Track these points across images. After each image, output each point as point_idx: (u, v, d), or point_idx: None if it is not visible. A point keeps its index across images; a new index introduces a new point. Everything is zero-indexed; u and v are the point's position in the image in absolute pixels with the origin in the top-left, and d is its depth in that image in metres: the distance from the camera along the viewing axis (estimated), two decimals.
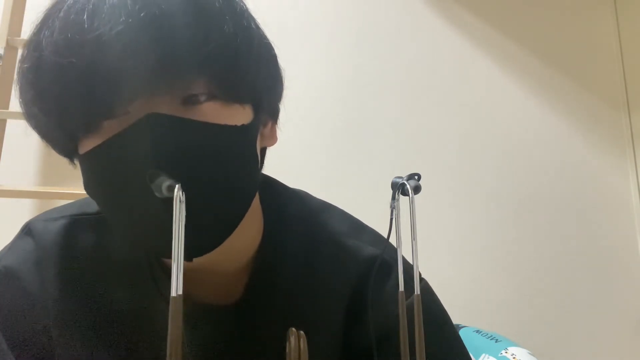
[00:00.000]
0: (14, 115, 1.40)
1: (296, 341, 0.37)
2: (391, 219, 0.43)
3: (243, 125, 0.42)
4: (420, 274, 0.58)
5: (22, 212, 1.47)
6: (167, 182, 0.33)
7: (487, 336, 1.43)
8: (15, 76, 0.44)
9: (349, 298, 0.53)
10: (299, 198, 0.58)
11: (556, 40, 1.96)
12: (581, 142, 1.91)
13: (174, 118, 0.38)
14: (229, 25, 0.40)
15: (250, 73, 0.43)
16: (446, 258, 1.71)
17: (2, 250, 0.54)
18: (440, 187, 1.77)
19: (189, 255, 0.40)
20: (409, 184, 0.40)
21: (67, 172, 1.84)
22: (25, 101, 0.42)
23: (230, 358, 0.51)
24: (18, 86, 0.43)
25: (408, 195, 0.40)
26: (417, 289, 0.34)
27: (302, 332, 0.38)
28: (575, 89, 1.94)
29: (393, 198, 0.40)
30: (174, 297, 0.28)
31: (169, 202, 0.37)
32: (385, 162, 1.73)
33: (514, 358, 1.35)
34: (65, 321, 0.50)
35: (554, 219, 1.83)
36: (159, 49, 0.36)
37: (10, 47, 1.38)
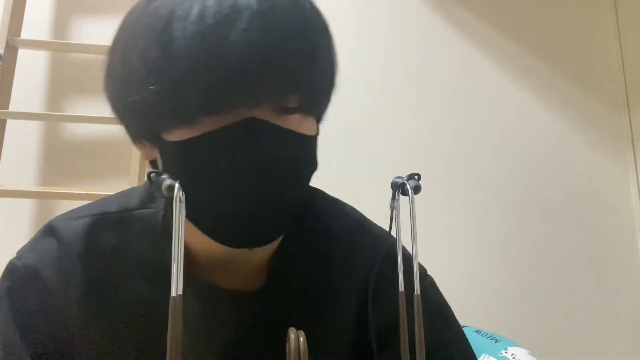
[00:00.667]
0: (14, 115, 1.40)
1: (296, 341, 0.37)
2: (391, 219, 0.43)
3: (315, 135, 0.48)
4: (425, 270, 0.61)
5: (22, 212, 1.47)
6: (167, 182, 0.33)
7: (487, 336, 1.43)
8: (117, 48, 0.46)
9: (367, 287, 0.57)
10: (317, 193, 0.62)
11: (556, 40, 1.96)
12: (581, 142, 1.91)
13: (272, 125, 0.42)
14: (329, 50, 0.47)
15: (330, 94, 0.49)
16: (446, 258, 1.71)
17: (21, 248, 0.54)
18: (440, 187, 1.77)
19: (251, 243, 0.46)
20: (409, 184, 0.40)
21: (67, 172, 1.84)
22: (136, 78, 0.43)
23: (254, 341, 0.53)
24: (126, 60, 0.44)
25: (408, 195, 0.40)
26: (417, 289, 0.34)
27: (301, 331, 0.38)
28: (575, 89, 1.94)
29: (393, 198, 0.40)
30: (173, 297, 0.29)
31: (253, 201, 0.42)
32: (385, 162, 1.73)
33: (513, 358, 1.35)
34: (89, 318, 0.51)
35: (553, 218, 1.83)
36: (278, 63, 0.41)
37: (10, 47, 1.38)
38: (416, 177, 0.45)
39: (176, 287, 0.28)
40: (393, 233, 0.41)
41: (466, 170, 1.80)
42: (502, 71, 1.89)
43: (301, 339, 0.37)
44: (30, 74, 1.53)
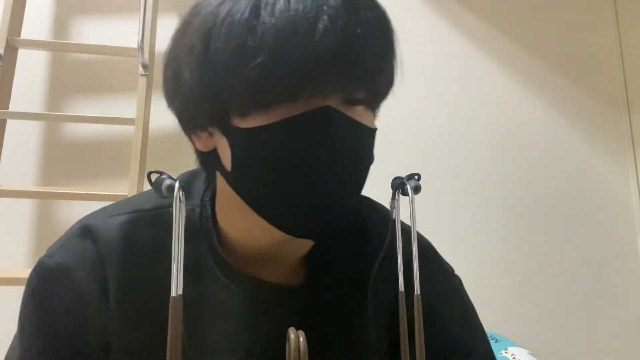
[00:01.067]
0: (14, 115, 1.40)
1: (296, 341, 0.37)
2: (391, 219, 0.43)
3: (376, 128, 0.49)
4: (452, 269, 0.65)
5: (22, 212, 1.47)
6: (167, 182, 0.33)
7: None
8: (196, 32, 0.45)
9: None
10: None
11: (556, 40, 1.96)
12: (581, 142, 1.91)
13: (344, 115, 0.43)
14: (397, 46, 0.48)
15: (390, 89, 0.50)
16: (446, 258, 1.71)
17: (52, 247, 0.53)
18: (440, 187, 1.77)
19: (315, 233, 0.47)
20: (409, 184, 0.40)
21: (67, 172, 1.84)
22: (217, 61, 0.42)
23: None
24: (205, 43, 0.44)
25: (408, 195, 0.40)
26: (417, 289, 0.34)
27: (301, 331, 0.38)
28: (575, 89, 1.94)
29: (393, 198, 0.40)
30: (173, 297, 0.28)
31: (323, 190, 0.42)
32: (385, 162, 1.73)
33: (514, 358, 1.35)
34: (127, 317, 0.50)
35: (553, 218, 1.83)
36: (357, 55, 0.42)
37: (10, 47, 1.38)
38: (416, 177, 0.45)
39: (176, 287, 0.28)
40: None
41: (466, 170, 1.80)
42: (502, 71, 1.89)
43: (301, 339, 0.37)
44: (30, 74, 1.53)
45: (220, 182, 0.51)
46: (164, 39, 1.60)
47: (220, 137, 0.46)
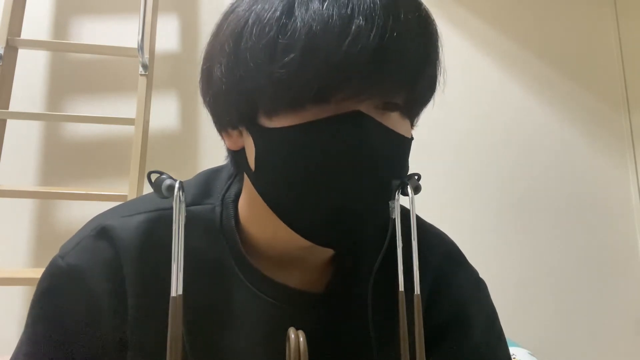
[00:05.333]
0: (14, 115, 1.40)
1: (296, 341, 0.37)
2: (391, 219, 0.43)
3: (411, 138, 0.47)
4: (477, 273, 0.63)
5: (22, 212, 1.47)
6: (167, 182, 0.33)
7: None
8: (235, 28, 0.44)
9: (428, 286, 0.57)
10: None
11: (556, 41, 1.96)
12: (581, 142, 1.91)
13: (375, 121, 0.41)
14: (439, 53, 0.46)
15: (430, 98, 0.48)
16: None
17: (66, 246, 0.52)
18: (440, 187, 1.77)
19: (339, 243, 0.45)
20: (409, 184, 0.40)
21: (67, 172, 1.84)
22: (249, 57, 0.42)
23: (318, 343, 0.52)
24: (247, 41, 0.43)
25: (408, 195, 0.40)
26: (417, 289, 0.34)
27: (301, 331, 0.38)
28: (575, 89, 1.94)
29: (393, 198, 0.40)
30: (173, 297, 0.29)
31: (350, 197, 0.41)
32: None
33: (514, 358, 1.35)
34: (146, 317, 0.49)
35: (553, 218, 1.83)
36: (397, 61, 0.41)
37: (10, 47, 1.38)
38: (416, 177, 0.45)
39: (176, 287, 0.28)
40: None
41: (465, 170, 1.80)
42: (502, 71, 1.89)
43: (301, 339, 0.37)
44: (30, 74, 1.53)
45: (248, 182, 0.50)
46: (164, 39, 1.61)
47: (248, 136, 0.45)
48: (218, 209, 0.52)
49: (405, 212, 0.62)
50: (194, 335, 0.50)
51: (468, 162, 1.80)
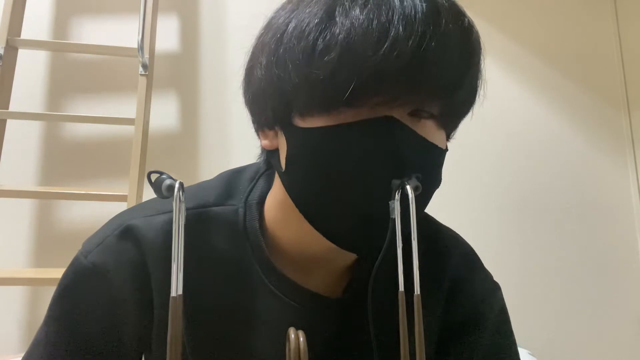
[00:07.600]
0: (14, 115, 1.40)
1: (296, 341, 0.37)
2: (391, 219, 0.43)
3: (446, 149, 0.47)
4: (491, 276, 0.63)
5: (22, 212, 1.47)
6: (167, 182, 0.33)
7: None
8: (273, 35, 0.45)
9: (445, 288, 0.57)
10: None
11: (556, 41, 1.96)
12: (581, 142, 1.91)
13: (407, 128, 0.41)
14: (480, 63, 0.45)
15: (468, 110, 0.47)
16: None
17: (89, 244, 0.51)
18: (440, 187, 1.76)
19: (364, 249, 0.45)
20: (409, 184, 0.40)
21: (67, 172, 1.83)
22: (288, 58, 0.42)
23: (335, 347, 0.52)
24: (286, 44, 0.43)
25: (408, 195, 0.40)
26: (416, 289, 0.34)
27: (301, 331, 0.38)
28: (575, 89, 1.94)
29: (393, 198, 0.40)
30: (173, 297, 0.29)
31: (379, 202, 0.40)
32: None
33: None
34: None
35: (553, 219, 1.83)
36: (436, 70, 0.40)
37: (10, 47, 1.38)
38: (416, 177, 0.44)
39: (176, 287, 0.28)
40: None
41: (465, 170, 1.80)
42: (502, 71, 1.89)
43: (301, 339, 0.37)
44: (30, 74, 1.53)
45: (277, 183, 0.50)
46: (164, 39, 1.61)
47: (282, 136, 0.46)
48: (241, 211, 0.52)
49: (424, 216, 0.61)
50: (212, 335, 0.50)
51: (468, 162, 1.80)
